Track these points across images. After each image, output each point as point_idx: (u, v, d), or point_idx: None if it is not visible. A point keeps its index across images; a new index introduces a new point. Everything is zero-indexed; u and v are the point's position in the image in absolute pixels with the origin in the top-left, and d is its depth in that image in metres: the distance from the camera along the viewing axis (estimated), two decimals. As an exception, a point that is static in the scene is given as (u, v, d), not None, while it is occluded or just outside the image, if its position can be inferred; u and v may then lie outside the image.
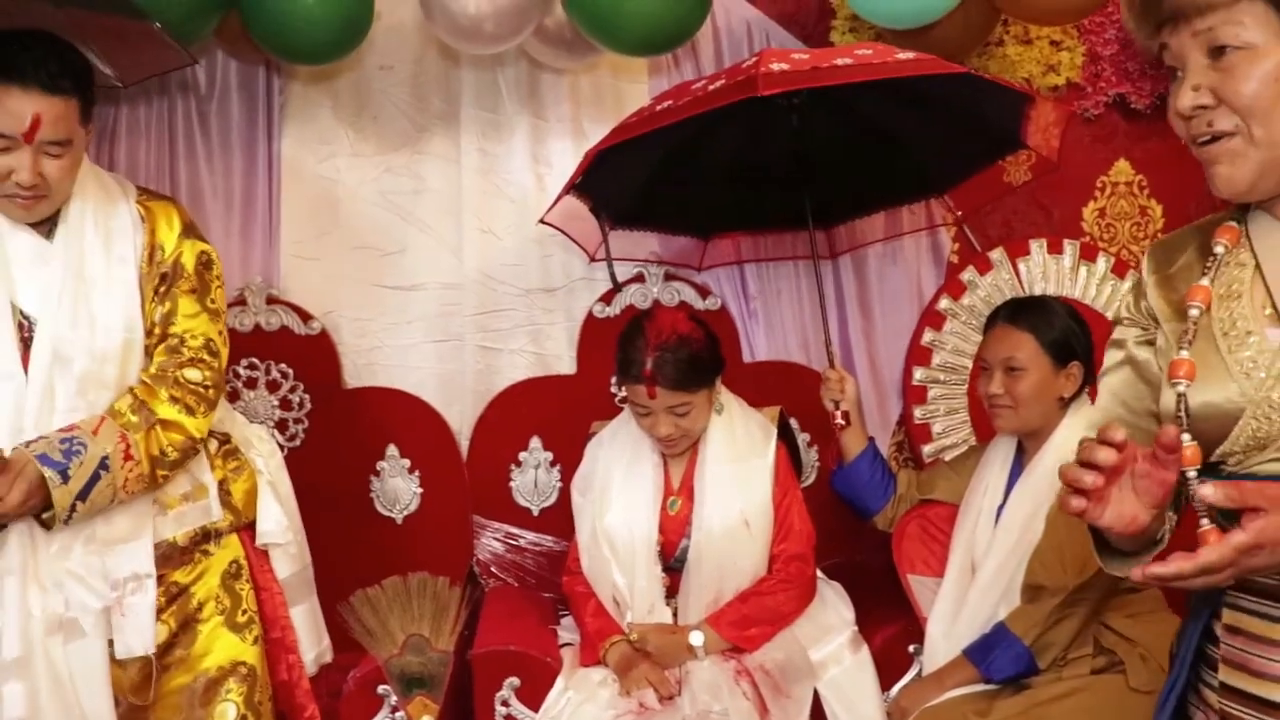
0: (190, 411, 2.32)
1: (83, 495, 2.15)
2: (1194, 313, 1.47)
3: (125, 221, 2.33)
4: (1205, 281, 1.49)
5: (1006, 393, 2.64)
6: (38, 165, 2.15)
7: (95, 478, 2.16)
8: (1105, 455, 1.32)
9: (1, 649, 2.16)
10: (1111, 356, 1.64)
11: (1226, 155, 1.44)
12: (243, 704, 2.37)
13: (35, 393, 2.19)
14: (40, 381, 2.20)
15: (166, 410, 2.30)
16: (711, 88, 2.51)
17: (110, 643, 2.26)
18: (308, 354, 3.30)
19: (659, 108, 2.63)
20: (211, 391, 2.37)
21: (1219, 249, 1.50)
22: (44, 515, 2.17)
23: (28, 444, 2.15)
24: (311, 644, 2.56)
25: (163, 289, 2.34)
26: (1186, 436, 1.35)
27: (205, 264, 2.40)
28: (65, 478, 2.13)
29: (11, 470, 2.10)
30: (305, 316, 3.30)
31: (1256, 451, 1.41)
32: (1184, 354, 1.44)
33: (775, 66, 2.41)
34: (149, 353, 2.34)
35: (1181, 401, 1.40)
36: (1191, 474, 1.34)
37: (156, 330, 2.34)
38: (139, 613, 2.27)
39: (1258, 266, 1.48)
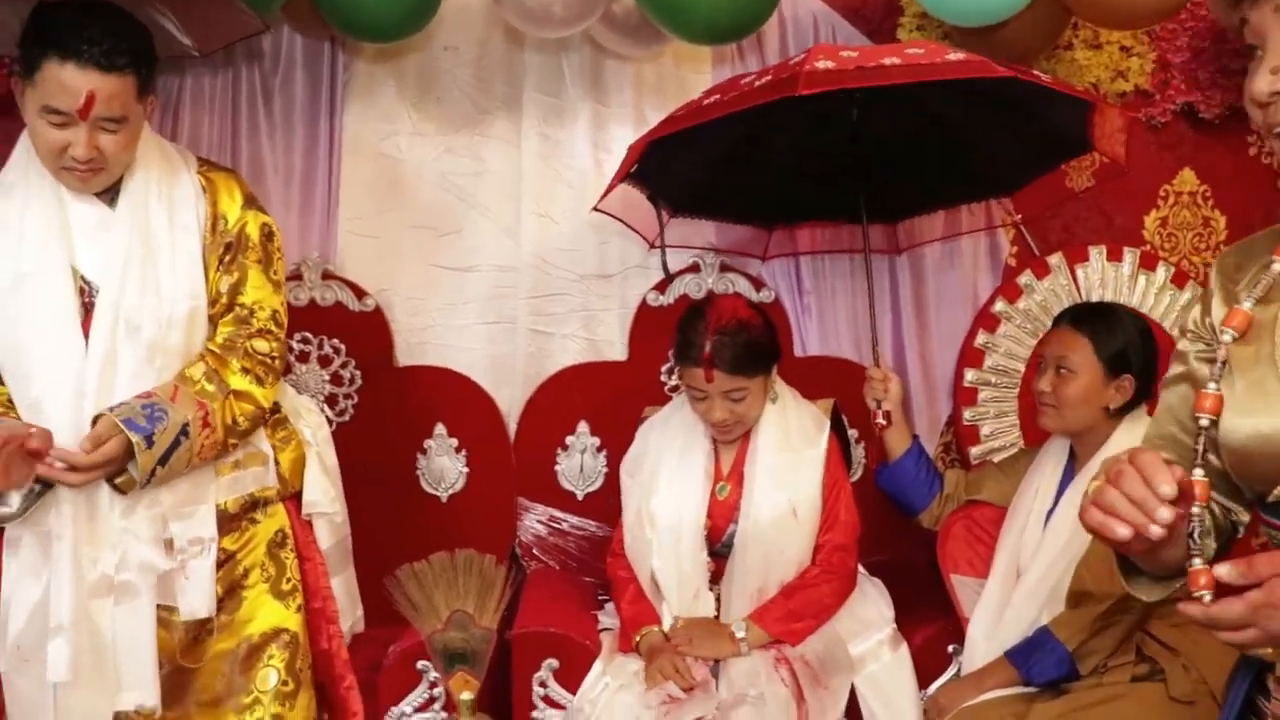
0: (260, 382, 2.35)
1: (163, 460, 2.18)
2: (1226, 338, 1.37)
3: (188, 191, 2.35)
4: (1247, 305, 1.39)
5: (1053, 391, 2.64)
6: (94, 140, 2.17)
7: (175, 444, 2.19)
8: (1164, 516, 1.23)
9: (50, 611, 2.19)
10: (1173, 369, 1.56)
11: None
12: (284, 670, 2.39)
13: (97, 357, 2.21)
14: (103, 347, 2.22)
15: (238, 380, 2.33)
16: (758, 84, 2.50)
17: (158, 606, 2.29)
18: (361, 330, 3.32)
19: (706, 101, 2.62)
20: (278, 362, 2.41)
21: (1276, 266, 1.39)
22: (118, 480, 2.20)
23: (111, 409, 2.18)
24: (347, 614, 2.59)
25: (228, 259, 2.37)
26: (1199, 473, 1.30)
27: (268, 235, 2.42)
28: (150, 442, 2.16)
29: (100, 432, 2.13)
30: (360, 293, 3.33)
31: None
32: (1212, 388, 1.35)
33: (820, 65, 2.39)
34: (213, 321, 2.37)
35: (1203, 437, 1.33)
36: (1196, 510, 1.28)
37: (223, 300, 2.37)
38: (202, 576, 2.30)
39: None
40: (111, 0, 2.20)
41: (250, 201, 2.42)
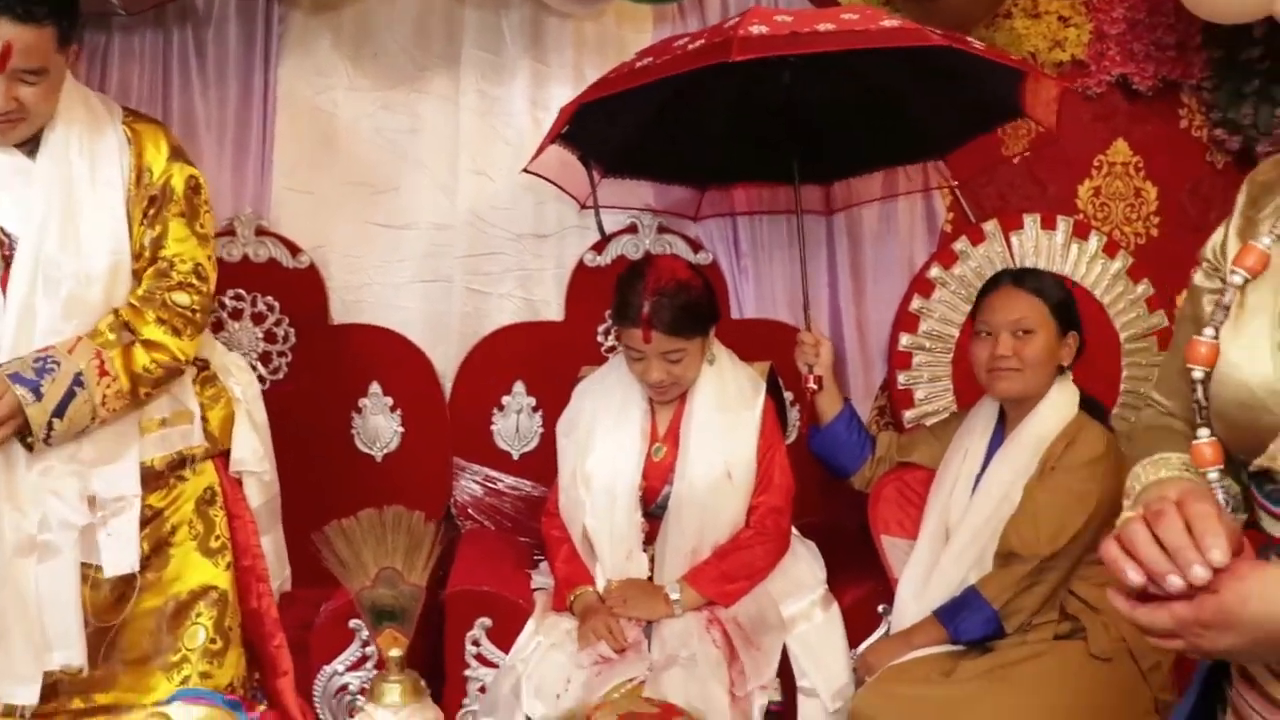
0: (176, 333, 2.32)
1: (59, 412, 2.15)
2: (1236, 280, 1.24)
3: (111, 143, 2.31)
4: (1266, 242, 1.24)
5: (1015, 355, 2.61)
6: (12, 91, 2.12)
7: (70, 395, 2.16)
8: (1199, 575, 1.05)
9: None
10: (1185, 304, 1.42)
11: None
12: (212, 628, 2.38)
13: (14, 312, 2.18)
14: (19, 301, 2.19)
15: (152, 331, 2.29)
16: (691, 47, 2.49)
17: (83, 565, 2.26)
18: (295, 287, 3.29)
19: (639, 64, 2.61)
20: (199, 316, 2.37)
21: None
22: (28, 439, 2.17)
23: (1, 365, 2.15)
24: (275, 574, 2.58)
25: (151, 212, 2.33)
26: (1204, 432, 1.22)
27: (194, 188, 2.38)
28: (39, 395, 2.13)
29: None
30: (294, 250, 3.29)
31: None
32: (1207, 334, 1.23)
33: (755, 30, 2.39)
34: (137, 276, 2.33)
35: (1199, 390, 1.22)
36: (1213, 475, 1.21)
37: (146, 254, 2.33)
38: (124, 532, 2.28)
39: None
40: None
41: (176, 154, 2.38)
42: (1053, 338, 2.62)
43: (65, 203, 2.23)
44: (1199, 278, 1.36)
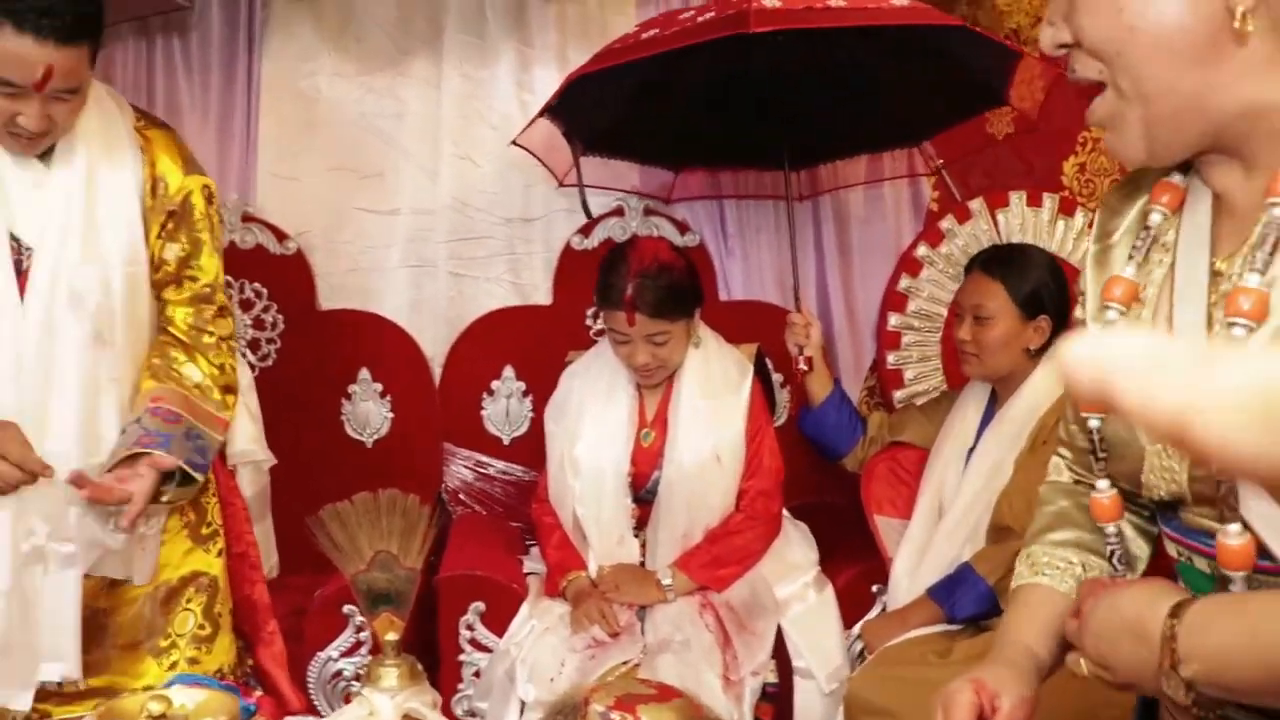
0: (235, 368, 2.33)
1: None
2: (1111, 316, 1.15)
3: (126, 151, 2.23)
4: (1130, 271, 1.15)
5: (973, 340, 2.66)
6: (46, 110, 2.03)
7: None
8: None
9: None
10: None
11: (1107, 119, 1.07)
12: (201, 614, 2.36)
13: (36, 325, 2.11)
14: (41, 313, 2.11)
15: (230, 377, 2.32)
16: (701, 19, 2.48)
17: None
18: (282, 274, 3.28)
19: (645, 36, 2.59)
20: (234, 339, 2.39)
21: (1155, 217, 1.14)
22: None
23: (146, 432, 2.12)
24: (263, 561, 2.57)
25: (170, 226, 2.26)
26: (1104, 484, 1.19)
27: (209, 199, 2.32)
28: (203, 470, 2.18)
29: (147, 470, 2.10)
30: (280, 236, 3.28)
31: (1189, 505, 1.11)
32: None
33: (768, 3, 2.38)
34: (156, 286, 2.29)
35: (1093, 440, 1.18)
36: (1111, 530, 1.20)
37: (168, 268, 2.27)
38: (152, 543, 2.27)
39: (1174, 264, 1.13)
40: None
41: (190, 164, 2.32)
42: (1013, 324, 2.63)
43: (83, 210, 2.16)
44: (1078, 311, 1.29)
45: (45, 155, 2.16)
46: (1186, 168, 1.12)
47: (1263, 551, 1.02)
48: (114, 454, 2.12)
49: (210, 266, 2.31)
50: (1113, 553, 1.23)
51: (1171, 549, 1.17)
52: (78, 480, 2.00)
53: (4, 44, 1.94)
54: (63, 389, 2.11)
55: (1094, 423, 1.17)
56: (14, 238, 2.13)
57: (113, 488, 2.06)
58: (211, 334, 2.31)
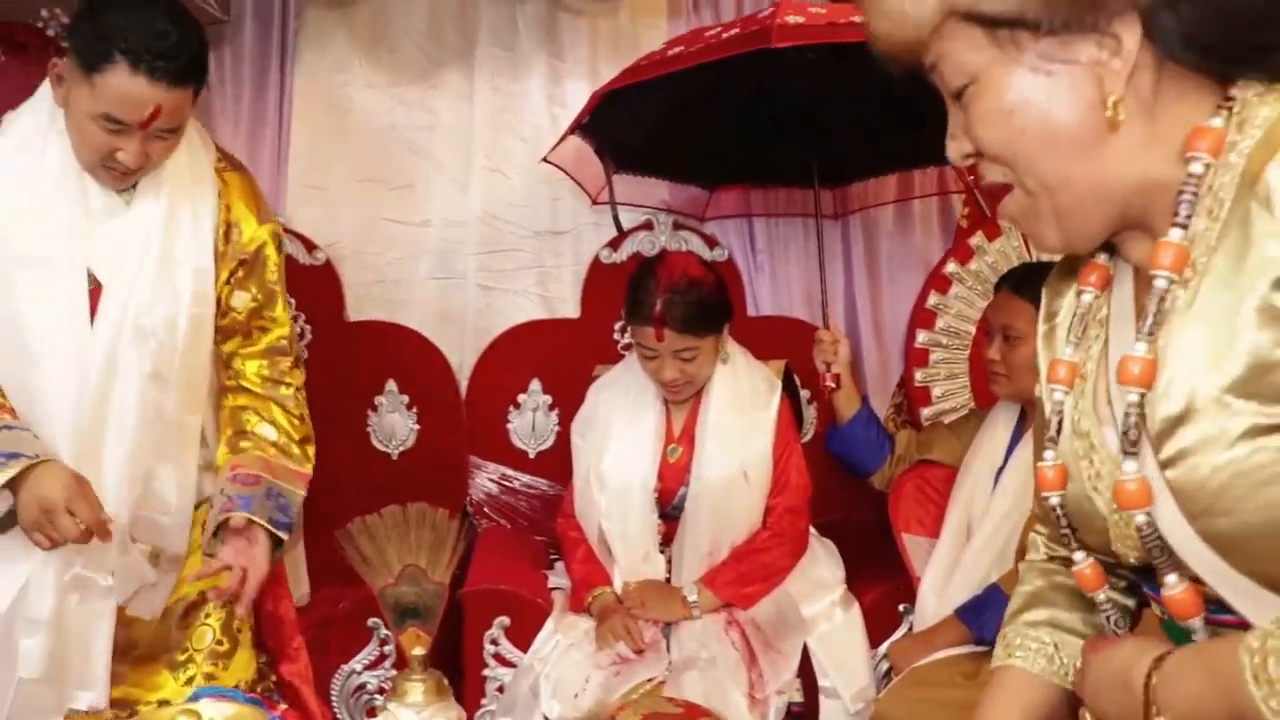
0: (303, 420, 2.34)
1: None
2: (1058, 396, 1.20)
3: (207, 191, 2.21)
4: (1069, 352, 1.21)
5: (1002, 360, 2.64)
6: (146, 147, 2.02)
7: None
8: None
9: (30, 607, 2.09)
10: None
11: (1020, 215, 1.14)
12: (219, 629, 2.35)
13: (101, 359, 2.09)
14: (106, 348, 2.09)
15: (308, 428, 2.33)
16: (725, 36, 2.48)
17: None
18: (311, 284, 3.28)
19: (670, 53, 2.60)
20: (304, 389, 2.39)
21: (1086, 297, 1.21)
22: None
23: (228, 499, 2.13)
24: (293, 588, 2.58)
25: (241, 274, 2.25)
26: (1080, 556, 1.21)
27: (279, 245, 2.33)
28: (288, 529, 2.19)
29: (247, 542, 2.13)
30: (310, 246, 3.28)
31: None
32: (1048, 457, 1.20)
33: (791, 19, 2.39)
34: (220, 331, 2.27)
35: (1057, 516, 1.21)
36: (1101, 598, 1.22)
37: (235, 316, 2.26)
38: (167, 582, 2.27)
39: (1108, 338, 1.18)
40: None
41: (264, 213, 2.31)
42: None
43: (161, 249, 2.14)
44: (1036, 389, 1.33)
45: (126, 188, 2.14)
46: (1110, 247, 1.18)
47: (1218, 603, 1.08)
48: (206, 533, 2.16)
49: (284, 318, 2.31)
50: (1108, 618, 1.26)
51: (1156, 608, 1.20)
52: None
53: (117, 82, 1.93)
54: (119, 426, 2.10)
55: (1054, 500, 1.21)
56: (89, 271, 2.10)
57: (217, 568, 2.11)
58: (289, 385, 2.31)
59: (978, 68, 1.08)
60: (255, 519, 2.13)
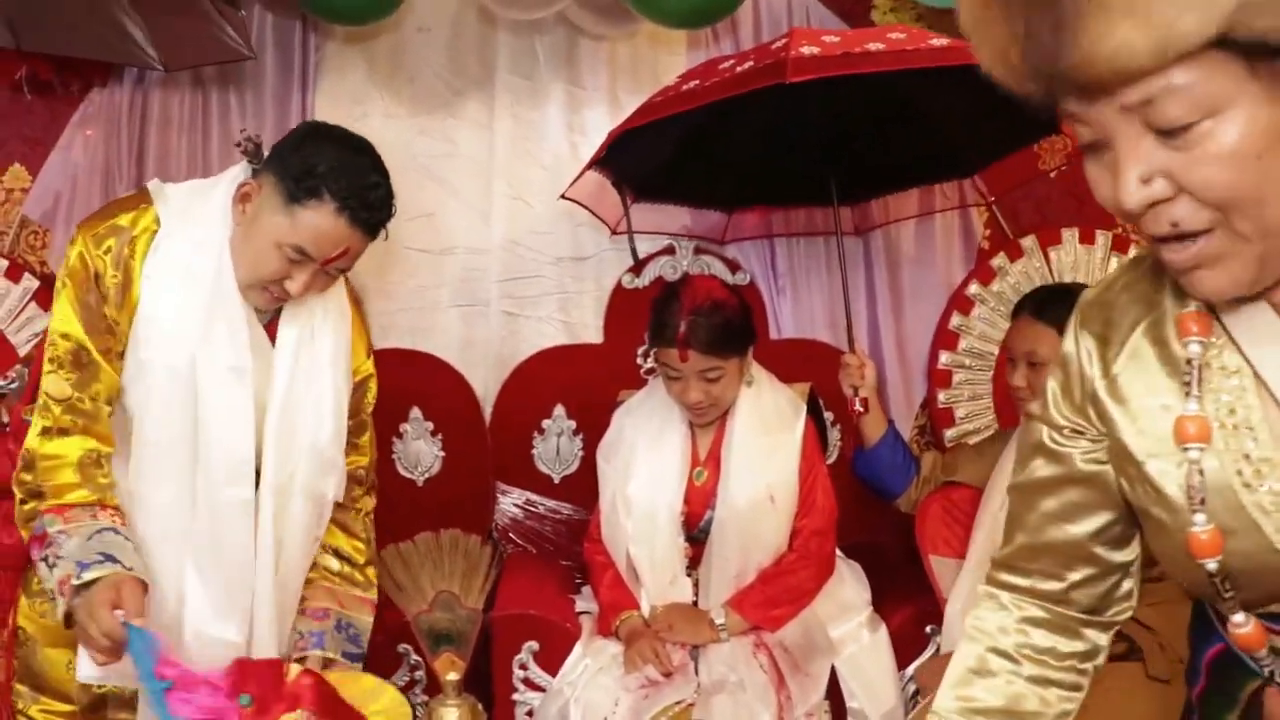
0: (369, 543, 2.34)
1: None
2: (1194, 455, 1.13)
3: (343, 318, 2.23)
4: (1193, 407, 1.13)
5: (1028, 386, 2.62)
6: (314, 280, 2.01)
7: None
8: None
9: None
10: (1039, 468, 1.31)
11: (1208, 259, 1.04)
12: None
13: (269, 493, 2.10)
14: (272, 481, 2.10)
15: (373, 550, 2.34)
16: (740, 69, 2.48)
17: None
18: (335, 313, 3.29)
19: (685, 87, 2.61)
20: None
21: (1194, 348, 1.13)
22: None
23: (300, 636, 2.15)
24: None
25: (350, 404, 2.28)
26: (1201, 518, 1.13)
27: (375, 379, 2.37)
28: (360, 659, 2.19)
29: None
30: (333, 276, 3.29)
31: None
32: (1200, 522, 1.12)
33: (805, 50, 2.38)
34: None
35: (1215, 582, 1.15)
36: (1212, 565, 1.14)
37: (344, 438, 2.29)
38: None
39: (1256, 375, 1.12)
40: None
41: (370, 345, 2.36)
42: None
43: (306, 376, 2.14)
44: (1049, 438, 1.29)
45: (269, 316, 2.13)
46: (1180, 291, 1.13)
47: None
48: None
49: (368, 448, 2.34)
50: (1271, 673, 1.22)
51: None
52: None
53: (319, 220, 1.94)
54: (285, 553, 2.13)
55: (1211, 566, 1.13)
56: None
57: None
58: (358, 510, 2.32)
59: (1224, 102, 0.96)
60: (329, 655, 2.14)
